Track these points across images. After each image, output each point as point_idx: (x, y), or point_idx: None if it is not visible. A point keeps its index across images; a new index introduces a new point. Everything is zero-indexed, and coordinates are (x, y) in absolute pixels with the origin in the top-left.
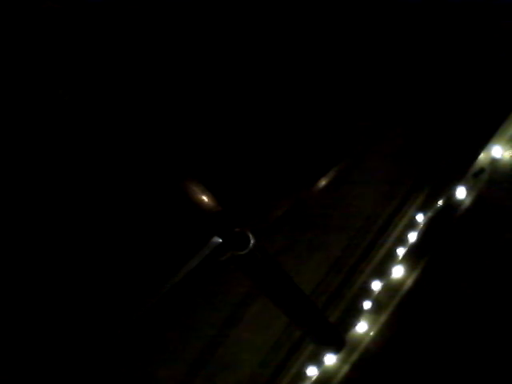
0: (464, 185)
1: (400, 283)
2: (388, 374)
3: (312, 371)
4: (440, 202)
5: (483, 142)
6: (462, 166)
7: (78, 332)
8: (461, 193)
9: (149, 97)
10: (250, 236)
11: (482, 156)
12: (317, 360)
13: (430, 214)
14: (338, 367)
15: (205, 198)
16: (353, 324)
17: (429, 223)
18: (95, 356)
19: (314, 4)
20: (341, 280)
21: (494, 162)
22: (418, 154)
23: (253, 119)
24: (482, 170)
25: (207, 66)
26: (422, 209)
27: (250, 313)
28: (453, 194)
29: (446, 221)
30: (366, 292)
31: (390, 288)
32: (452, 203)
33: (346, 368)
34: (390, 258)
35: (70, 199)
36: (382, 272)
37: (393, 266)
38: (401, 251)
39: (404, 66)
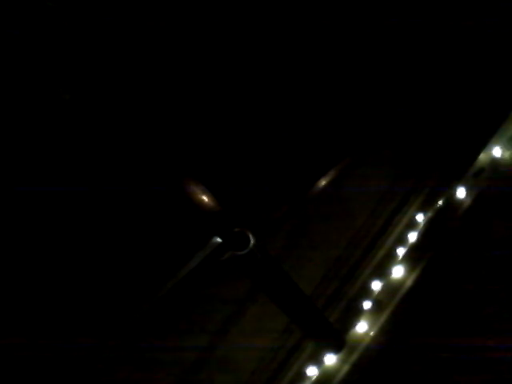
0: (464, 185)
1: (400, 283)
2: (388, 374)
3: (312, 371)
4: (440, 202)
5: (483, 142)
6: (462, 165)
7: (78, 332)
8: (461, 193)
9: (149, 96)
10: (250, 236)
11: (482, 156)
12: (317, 360)
13: (429, 214)
14: (338, 367)
15: (205, 198)
16: (353, 324)
17: (429, 223)
18: (95, 356)
19: (314, 6)
20: (341, 280)
21: (493, 161)
22: (417, 154)
23: (253, 119)
24: (482, 170)
25: (207, 66)
26: (421, 209)
27: (250, 313)
28: (453, 194)
29: (446, 221)
30: (366, 292)
31: (390, 288)
32: (452, 203)
33: (346, 368)
34: (390, 258)
35: (70, 199)
36: (381, 272)
37: (393, 266)
38: (401, 251)
39: (404, 65)
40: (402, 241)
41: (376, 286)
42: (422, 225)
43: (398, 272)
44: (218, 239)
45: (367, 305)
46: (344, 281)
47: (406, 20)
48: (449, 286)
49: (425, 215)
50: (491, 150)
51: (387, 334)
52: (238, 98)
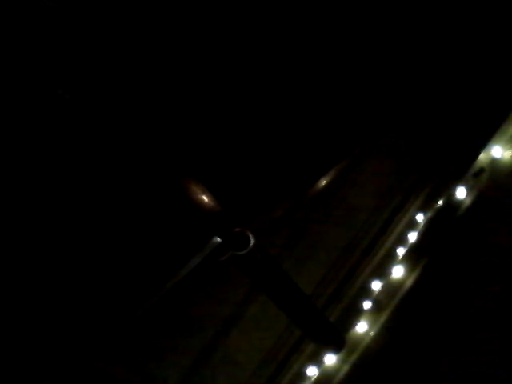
0: (464, 185)
1: (400, 283)
2: (388, 374)
3: (312, 371)
4: (440, 202)
5: (483, 142)
6: (462, 165)
7: (78, 332)
8: (461, 193)
9: (149, 96)
10: (250, 236)
11: (482, 156)
12: (317, 360)
13: (429, 214)
14: (338, 367)
15: (205, 198)
16: (353, 324)
17: (429, 223)
18: (95, 355)
19: (314, 5)
20: (341, 280)
21: (493, 161)
22: (417, 154)
23: (252, 119)
24: (482, 170)
25: (207, 65)
26: (421, 209)
27: (250, 313)
28: (453, 194)
29: (446, 221)
30: (365, 292)
31: (390, 288)
32: (452, 203)
33: (346, 368)
34: (390, 258)
35: (71, 199)
36: (381, 272)
37: (393, 265)
38: (401, 251)
39: (404, 65)
40: (402, 241)
41: (376, 285)
42: (421, 225)
43: (397, 272)
44: (218, 239)
45: (367, 305)
46: (344, 281)
47: (405, 19)
48: (449, 286)
49: (425, 215)
50: (491, 150)
51: (387, 333)
52: (238, 98)
